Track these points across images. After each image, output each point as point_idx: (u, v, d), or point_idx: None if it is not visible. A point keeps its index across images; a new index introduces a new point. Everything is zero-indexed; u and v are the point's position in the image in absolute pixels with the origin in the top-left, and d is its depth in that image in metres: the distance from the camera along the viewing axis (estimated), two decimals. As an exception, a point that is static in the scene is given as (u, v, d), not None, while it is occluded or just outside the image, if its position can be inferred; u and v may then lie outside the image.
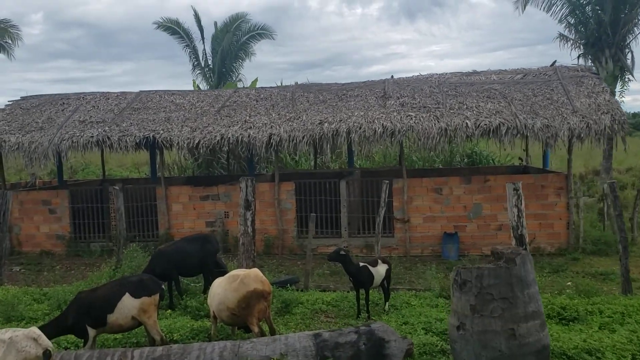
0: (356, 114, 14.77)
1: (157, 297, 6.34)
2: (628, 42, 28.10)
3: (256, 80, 27.81)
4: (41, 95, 18.44)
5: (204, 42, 33.36)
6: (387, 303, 8.59)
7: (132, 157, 27.84)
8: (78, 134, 15.23)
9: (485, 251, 14.22)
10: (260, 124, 14.90)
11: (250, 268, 9.61)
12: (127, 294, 6.25)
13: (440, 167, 21.97)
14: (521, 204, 8.93)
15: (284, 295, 8.65)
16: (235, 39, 31.99)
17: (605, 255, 13.43)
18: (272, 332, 6.51)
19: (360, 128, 14.09)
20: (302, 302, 8.72)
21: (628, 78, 28.68)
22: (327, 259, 8.82)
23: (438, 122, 13.94)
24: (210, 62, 33.27)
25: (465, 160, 23.52)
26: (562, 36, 29.52)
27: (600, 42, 27.53)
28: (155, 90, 17.95)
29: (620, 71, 27.76)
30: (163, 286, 6.72)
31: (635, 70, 28.11)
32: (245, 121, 15.18)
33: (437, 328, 7.07)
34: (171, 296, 9.08)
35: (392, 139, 14.14)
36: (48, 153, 15.05)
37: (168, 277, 9.11)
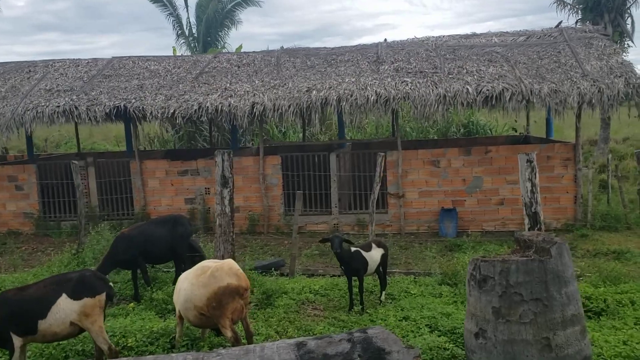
0: (347, 80, 13.54)
1: (102, 297, 5.19)
2: (628, 6, 27.01)
3: (240, 47, 26.33)
4: (6, 63, 17.01)
5: (187, 10, 32.12)
6: (383, 292, 7.53)
7: (117, 129, 26.37)
8: (43, 104, 13.91)
9: (486, 227, 13.25)
10: (242, 92, 13.65)
11: (228, 252, 8.54)
12: (63, 295, 5.07)
13: (436, 138, 20.82)
14: (535, 178, 7.85)
15: (266, 283, 7.56)
16: (220, 7, 30.58)
17: (615, 231, 12.46)
18: (249, 336, 5.43)
19: (351, 96, 12.88)
20: (287, 291, 7.63)
21: (627, 44, 27.68)
22: (319, 241, 7.72)
23: (436, 88, 12.76)
24: (194, 31, 31.90)
25: (462, 130, 22.39)
26: (559, 1, 28.33)
27: (600, 6, 26.42)
28: (129, 56, 16.56)
29: (619, 37, 26.71)
30: (111, 284, 5.54)
31: (635, 36, 27.02)
32: (225, 89, 13.91)
33: (444, 325, 6.02)
34: (136, 287, 7.95)
35: (387, 107, 12.94)
36: (11, 124, 13.74)
37: (133, 264, 7.99)
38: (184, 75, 15.01)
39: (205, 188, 14.14)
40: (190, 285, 5.22)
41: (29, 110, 13.76)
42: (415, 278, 8.53)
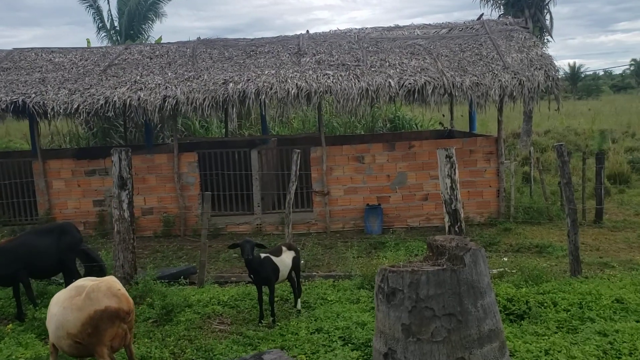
0: (267, 72, 12.88)
1: None
2: (547, 2, 27.80)
3: (160, 39, 25.13)
4: None
5: (108, 2, 30.52)
6: (298, 300, 6.95)
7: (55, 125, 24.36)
8: None
9: (410, 223, 12.95)
10: (153, 85, 12.72)
11: (129, 261, 7.75)
12: None
13: (363, 133, 20.49)
14: (455, 174, 7.52)
15: (168, 297, 6.80)
16: (143, -1, 29.21)
17: (537, 224, 12.43)
18: None
19: (271, 89, 12.23)
20: (192, 303, 6.93)
21: (547, 39, 28.48)
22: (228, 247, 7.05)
23: (358, 81, 12.30)
24: (116, 23, 30.38)
25: (388, 125, 22.19)
26: (483, -4, 28.84)
27: (520, 2, 27.11)
28: (32, 48, 15.24)
29: (539, 32, 27.43)
30: None
31: (553, 32, 27.93)
32: (135, 82, 12.94)
33: (359, 338, 5.50)
34: (19, 304, 7.00)
35: (309, 101, 12.38)
36: None
37: (13, 280, 7.03)
38: (91, 68, 13.90)
39: (116, 189, 13.10)
40: (62, 310, 4.44)
41: None
42: (334, 282, 8.01)
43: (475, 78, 12.20)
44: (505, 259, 9.77)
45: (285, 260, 6.74)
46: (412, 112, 22.95)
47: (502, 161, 12.82)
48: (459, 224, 7.64)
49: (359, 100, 12.01)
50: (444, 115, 19.75)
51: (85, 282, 4.56)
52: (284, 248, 6.92)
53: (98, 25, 31.04)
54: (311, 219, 13.00)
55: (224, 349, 5.45)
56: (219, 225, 13.03)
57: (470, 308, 3.71)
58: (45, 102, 12.34)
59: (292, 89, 12.09)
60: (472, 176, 12.86)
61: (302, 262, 9.78)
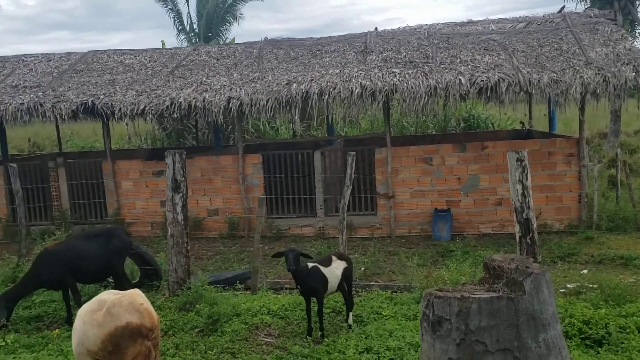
0: (331, 71, 12.52)
1: None
2: (639, -8, 25.89)
3: (232, 40, 25.36)
4: (-24, 59, 16.14)
5: (188, 5, 31.46)
6: (349, 314, 6.51)
7: (120, 127, 25.14)
8: (7, 101, 13.00)
9: (483, 230, 12.20)
10: (218, 86, 12.66)
11: (182, 265, 7.59)
12: None
13: (434, 133, 19.72)
14: (527, 179, 6.86)
15: (216, 305, 6.55)
16: (221, 1, 29.73)
17: (623, 233, 11.35)
18: None
19: (334, 88, 11.85)
20: (241, 312, 6.66)
21: (639, 33, 26.55)
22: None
23: (426, 79, 11.70)
24: (195, 26, 31.14)
25: (462, 125, 21.27)
26: (568, -10, 27.24)
27: (609, -7, 25.34)
28: (105, 50, 15.64)
29: (630, 26, 25.57)
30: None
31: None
32: (201, 83, 12.93)
33: (411, 360, 5.02)
34: (68, 308, 6.98)
35: (373, 100, 11.90)
36: (-28, 124, 12.86)
37: (60, 284, 7.02)
38: (159, 70, 14.06)
39: (181, 190, 13.15)
40: (83, 324, 4.22)
41: (-9, 108, 12.85)
42: (393, 293, 7.51)
43: (555, 75, 11.29)
44: (585, 271, 8.91)
45: (334, 271, 6.32)
46: (488, 111, 21.92)
47: (584, 164, 11.82)
48: (530, 234, 6.96)
49: (426, 98, 11.40)
50: (525, 115, 18.69)
51: (108, 296, 4.33)
52: (334, 258, 6.50)
53: (178, 28, 31.93)
54: (375, 222, 12.52)
55: (266, 368, 5.12)
56: (282, 228, 12.80)
57: (530, 343, 3.17)
58: (113, 103, 12.55)
59: (356, 88, 11.66)
60: (550, 180, 11.95)
61: (362, 268, 9.41)
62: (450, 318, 3.24)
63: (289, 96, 11.93)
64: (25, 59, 15.45)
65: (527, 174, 6.78)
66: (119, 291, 4.51)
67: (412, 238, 12.18)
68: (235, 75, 13.16)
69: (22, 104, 12.84)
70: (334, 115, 13.95)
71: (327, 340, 5.83)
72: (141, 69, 14.15)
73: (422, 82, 11.63)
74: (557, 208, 12.06)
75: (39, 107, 12.74)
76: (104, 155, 14.71)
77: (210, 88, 12.62)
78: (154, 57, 14.90)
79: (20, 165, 14.22)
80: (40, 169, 14.00)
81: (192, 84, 12.91)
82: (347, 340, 5.69)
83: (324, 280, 6.20)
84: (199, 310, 6.56)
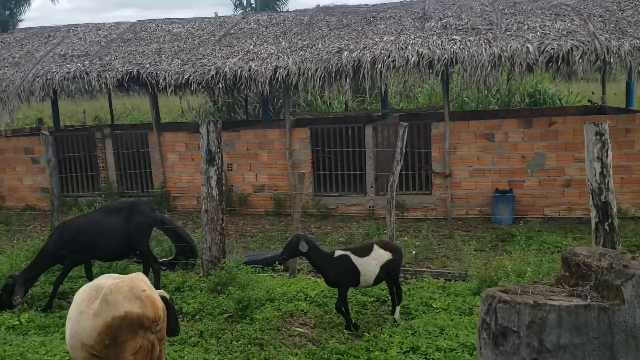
0: (385, 39, 11.63)
1: None
2: None
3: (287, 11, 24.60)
4: (29, 28, 16.13)
5: (245, -21, 31.07)
6: (396, 308, 5.75)
7: (186, 100, 25.00)
8: (55, 70, 12.79)
9: (548, 213, 11.15)
10: (265, 55, 12.00)
11: (216, 243, 7.03)
12: None
13: (497, 108, 18.48)
14: (607, 156, 5.90)
15: (249, 289, 5.95)
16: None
17: None
18: None
19: (388, 56, 10.98)
20: (275, 297, 6.04)
21: None
22: (282, 258, 6.00)
23: (490, 46, 10.67)
24: (252, 0, 30.71)
25: (527, 100, 19.87)
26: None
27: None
28: (154, 19, 15.25)
29: None
30: None
31: None
32: (247, 52, 12.31)
33: (464, 365, 4.26)
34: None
35: (431, 70, 10.97)
36: (20, 93, 12.71)
37: (76, 260, 6.58)
38: (207, 38, 13.53)
39: (228, 164, 12.70)
40: (79, 314, 3.65)
41: (38, 77, 12.68)
42: (446, 282, 6.72)
43: (637, 42, 10.04)
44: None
45: (371, 262, 5.55)
46: (555, 87, 20.42)
47: (667, 143, 10.55)
48: (609, 220, 6.01)
49: (489, 68, 10.38)
50: (593, 93, 17.20)
51: (105, 281, 3.75)
52: (376, 247, 5.70)
53: (235, 2, 31.58)
54: (429, 203, 11.67)
55: (295, 364, 4.48)
56: (330, 206, 12.14)
57: (628, 370, 2.37)
58: (158, 72, 12.11)
59: (412, 56, 10.76)
60: (627, 160, 10.76)
61: (413, 252, 8.63)
62: (518, 330, 2.48)
63: (339, 65, 11.15)
64: (75, 29, 15.26)
65: (607, 150, 5.83)
66: (119, 275, 3.93)
67: (469, 220, 11.28)
68: (283, 43, 12.46)
69: (69, 72, 12.59)
70: (389, 87, 13.08)
71: (367, 335, 5.13)
72: (188, 38, 13.66)
73: (485, 50, 10.60)
74: (634, 192, 10.89)
75: (85, 75, 12.46)
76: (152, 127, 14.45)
77: (257, 57, 11.99)
78: (202, 26, 14.38)
79: (69, 136, 14.16)
80: (88, 140, 13.81)
81: (238, 53, 12.32)
82: (390, 337, 4.98)
83: (352, 271, 5.48)
84: (230, 293, 5.99)
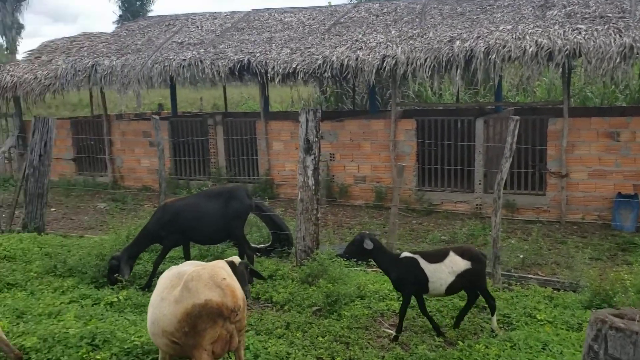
0: (501, 28, 10.96)
1: None
2: None
3: None
4: (151, 17, 17.00)
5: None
6: (493, 318, 5.27)
7: (301, 90, 25.55)
8: (172, 57, 13.34)
9: (679, 223, 10.00)
10: (374, 44, 11.74)
11: (310, 234, 6.94)
12: None
13: (624, 105, 16.96)
14: None
15: (341, 283, 5.78)
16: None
17: None
18: None
19: (503, 46, 10.33)
20: (366, 294, 5.82)
21: None
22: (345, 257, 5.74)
23: (620, 36, 9.70)
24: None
25: (661, 97, 18.06)
26: None
27: None
28: (267, 8, 15.48)
29: None
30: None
31: None
32: (356, 40, 12.11)
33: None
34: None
35: (551, 61, 10.18)
36: (140, 78, 13.39)
37: (173, 242, 6.73)
38: (317, 27, 13.50)
39: (330, 154, 12.64)
40: (160, 301, 3.65)
41: (157, 64, 13.28)
42: (554, 292, 6.17)
43: None
44: None
45: (443, 269, 5.07)
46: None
47: None
48: None
49: (618, 60, 9.44)
50: None
51: (187, 268, 3.71)
52: (452, 254, 5.17)
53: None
54: (542, 204, 10.89)
55: (380, 369, 4.25)
56: (434, 202, 11.70)
57: None
58: (267, 61, 12.24)
59: (530, 47, 10.03)
60: None
61: (520, 256, 8.07)
62: (632, 365, 2.09)
63: (450, 55, 10.65)
64: (193, 17, 15.85)
65: None
66: (201, 262, 3.90)
67: (585, 225, 10.39)
68: (393, 32, 12.13)
69: (184, 60, 13.07)
70: (503, 79, 12.35)
71: (461, 343, 4.78)
72: (299, 27, 13.72)
73: (615, 40, 9.66)
74: None
75: (199, 63, 12.88)
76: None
77: (365, 46, 11.76)
78: (313, 15, 14.38)
79: (184, 121, 14.78)
80: (201, 126, 14.31)
81: (346, 42, 12.16)
82: (487, 348, 4.60)
83: (418, 276, 5.07)
84: (321, 286, 5.86)
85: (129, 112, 20.97)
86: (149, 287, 6.37)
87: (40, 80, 14.42)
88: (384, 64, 11.17)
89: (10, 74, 15.13)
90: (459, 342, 4.83)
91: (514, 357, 4.33)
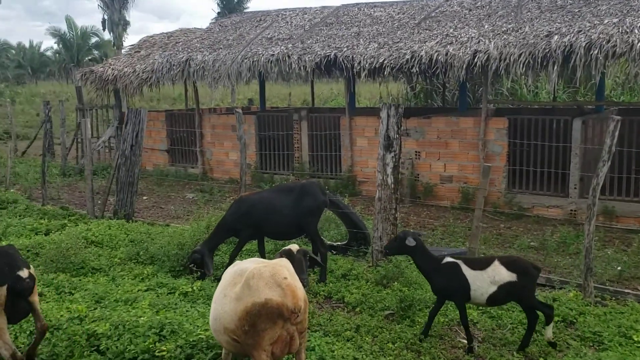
0: (606, 21, 10.17)
1: (0, 291, 3.83)
2: None
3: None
4: (245, 13, 17.31)
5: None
6: (547, 327, 4.85)
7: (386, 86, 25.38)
8: (261, 52, 13.50)
9: None
10: (465, 39, 11.26)
11: (388, 234, 6.73)
12: None
13: None
14: None
15: (417, 287, 5.53)
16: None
17: None
18: None
19: (608, 41, 9.56)
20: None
21: None
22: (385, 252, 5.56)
23: None
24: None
25: None
26: None
27: None
28: (356, 3, 15.31)
29: None
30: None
31: None
32: (446, 35, 11.68)
33: None
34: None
35: (662, 58, 9.31)
36: (230, 73, 13.66)
37: (248, 235, 6.70)
38: (406, 22, 13.17)
39: (415, 151, 12.30)
40: (223, 297, 3.59)
41: (246, 59, 13.48)
42: (654, 311, 5.58)
43: None
44: None
45: (485, 278, 4.76)
46: None
47: None
48: None
49: None
50: None
51: (249, 265, 3.61)
52: (496, 263, 4.85)
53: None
54: (647, 213, 10.01)
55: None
56: (524, 205, 11.08)
57: None
58: (354, 56, 12.08)
59: (639, 41, 9.21)
60: None
61: (618, 268, 7.43)
62: None
63: (547, 50, 10.01)
64: (284, 13, 15.97)
65: None
66: (263, 260, 3.80)
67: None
68: (486, 26, 11.60)
69: (273, 55, 13.18)
70: (607, 77, 11.48)
71: (543, 358, 4.40)
72: (388, 21, 13.45)
73: None
74: None
75: (287, 58, 12.93)
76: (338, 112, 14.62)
77: (456, 41, 11.31)
78: (403, 9, 14.06)
79: (270, 116, 14.94)
80: (286, 121, 14.41)
81: (436, 37, 11.75)
82: (569, 369, 4.21)
83: (460, 282, 4.81)
84: (395, 289, 5.64)
85: (222, 106, 21.55)
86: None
87: (138, 74, 15.09)
88: (475, 59, 10.68)
89: (111, 67, 15.96)
90: (541, 359, 4.45)
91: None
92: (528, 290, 4.82)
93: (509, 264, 4.87)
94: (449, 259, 5.03)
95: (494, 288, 4.77)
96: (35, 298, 4.11)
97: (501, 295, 4.80)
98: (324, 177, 13.36)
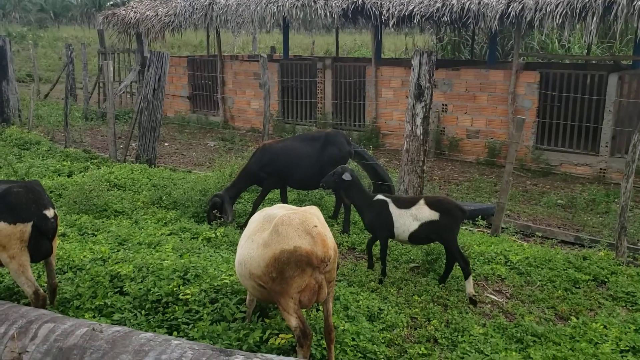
0: (656, -31, 9.60)
1: (25, 228, 3.73)
2: None
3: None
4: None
5: None
6: (468, 281, 4.76)
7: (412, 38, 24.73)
8: (283, -1, 13.08)
9: None
10: (500, -13, 10.76)
11: (414, 187, 6.57)
12: None
13: None
14: None
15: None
16: None
17: None
18: (327, 331, 3.52)
19: (654, -9, 9.05)
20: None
21: None
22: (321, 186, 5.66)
23: None
24: None
25: None
26: None
27: None
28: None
29: None
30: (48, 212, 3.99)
31: None
32: (480, -17, 11.16)
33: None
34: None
35: None
36: (254, 18, 13.30)
37: (272, 183, 6.58)
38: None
39: (442, 104, 12.00)
40: (250, 242, 3.49)
41: (271, 3, 13.10)
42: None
43: None
44: None
45: (409, 216, 4.98)
46: None
47: None
48: None
49: None
50: None
51: (278, 211, 3.49)
52: (422, 202, 5.02)
53: None
54: (679, 174, 9.68)
55: (480, 338, 3.87)
56: (552, 162, 10.81)
57: None
58: (382, 2, 11.66)
59: (686, -8, 8.71)
60: None
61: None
62: None
63: (586, 1, 9.52)
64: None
65: None
66: (292, 206, 3.67)
67: None
68: (523, -26, 11.04)
69: (298, 0, 12.77)
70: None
71: (575, 320, 4.28)
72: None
73: None
74: None
75: (313, 4, 12.53)
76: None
77: (491, -11, 10.81)
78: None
79: (294, 64, 14.62)
80: (310, 69, 14.10)
81: (470, -16, 11.24)
82: (605, 328, 4.08)
83: (385, 219, 4.96)
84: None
85: (243, 54, 21.20)
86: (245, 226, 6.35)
87: (161, 18, 14.79)
88: (509, 9, 10.23)
89: (134, 10, 15.67)
90: (572, 317, 4.33)
91: (638, 343, 3.79)
92: (449, 231, 4.89)
93: (433, 203, 4.99)
94: (379, 197, 5.17)
95: (415, 225, 4.89)
96: (55, 244, 4.06)
97: (422, 234, 4.91)
98: (347, 129, 13.15)
